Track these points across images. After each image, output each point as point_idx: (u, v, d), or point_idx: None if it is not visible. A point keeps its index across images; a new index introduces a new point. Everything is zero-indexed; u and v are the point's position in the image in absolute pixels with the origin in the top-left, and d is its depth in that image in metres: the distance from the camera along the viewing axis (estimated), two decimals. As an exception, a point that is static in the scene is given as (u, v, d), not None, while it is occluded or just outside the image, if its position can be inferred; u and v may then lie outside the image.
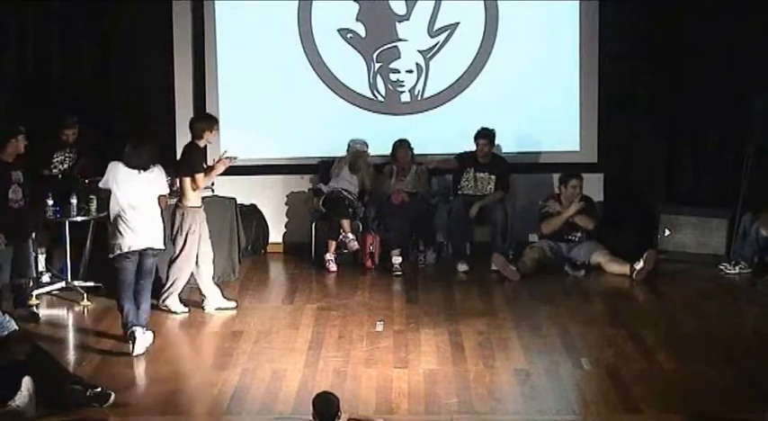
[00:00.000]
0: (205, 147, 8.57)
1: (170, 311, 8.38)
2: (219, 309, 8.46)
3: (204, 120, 8.56)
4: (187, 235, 8.32)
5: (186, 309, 8.43)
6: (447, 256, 10.02)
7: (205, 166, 8.50)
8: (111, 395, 6.45)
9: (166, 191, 7.94)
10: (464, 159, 10.06)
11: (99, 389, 6.46)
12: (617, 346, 7.54)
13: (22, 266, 8.27)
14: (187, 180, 8.35)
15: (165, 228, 7.94)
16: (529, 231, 10.12)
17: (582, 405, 6.50)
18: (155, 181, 7.77)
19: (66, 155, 9.25)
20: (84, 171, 9.23)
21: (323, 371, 7.08)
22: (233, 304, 8.55)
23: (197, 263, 8.43)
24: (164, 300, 8.41)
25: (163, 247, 7.84)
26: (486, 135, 9.91)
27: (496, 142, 10.04)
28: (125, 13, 10.32)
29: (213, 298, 8.51)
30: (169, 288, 8.42)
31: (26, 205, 8.19)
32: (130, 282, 7.62)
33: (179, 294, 8.47)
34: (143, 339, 7.46)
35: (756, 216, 9.39)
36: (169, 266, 8.41)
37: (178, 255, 8.36)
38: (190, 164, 8.40)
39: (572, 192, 9.59)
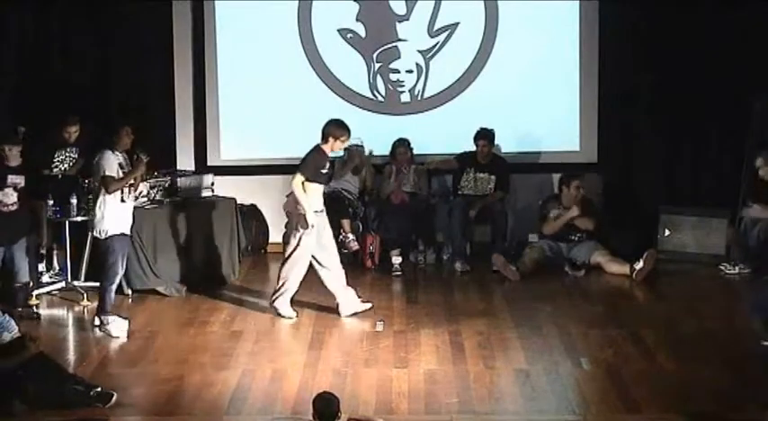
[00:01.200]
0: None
1: (278, 314, 8.23)
2: (356, 313, 8.26)
3: (333, 126, 8.10)
4: (301, 237, 8.09)
5: (294, 315, 8.21)
6: (447, 256, 10.02)
7: (324, 172, 8.12)
8: (112, 395, 6.45)
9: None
10: (464, 160, 10.07)
11: (99, 390, 6.47)
12: (617, 346, 7.54)
13: (15, 269, 8.27)
14: (299, 181, 8.08)
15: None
16: (529, 231, 10.12)
17: (582, 405, 6.50)
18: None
19: (67, 154, 9.26)
20: (85, 171, 9.23)
21: (323, 371, 7.08)
22: (368, 306, 8.32)
23: (322, 267, 8.23)
24: (273, 301, 8.23)
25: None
26: (485, 135, 9.91)
27: (496, 142, 10.05)
28: (125, 13, 10.32)
29: (348, 303, 8.27)
30: (279, 289, 8.21)
31: (19, 210, 8.17)
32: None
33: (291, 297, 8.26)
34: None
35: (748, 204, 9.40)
36: (281, 267, 8.26)
37: (289, 256, 8.15)
38: (301, 164, 8.13)
39: (575, 194, 9.58)
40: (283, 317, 8.20)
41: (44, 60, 10.46)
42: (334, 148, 8.16)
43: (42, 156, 9.13)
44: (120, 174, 7.87)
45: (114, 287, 7.98)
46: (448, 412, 6.39)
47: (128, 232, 8.06)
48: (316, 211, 8.10)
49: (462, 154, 10.09)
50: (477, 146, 9.95)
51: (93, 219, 7.93)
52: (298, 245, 8.11)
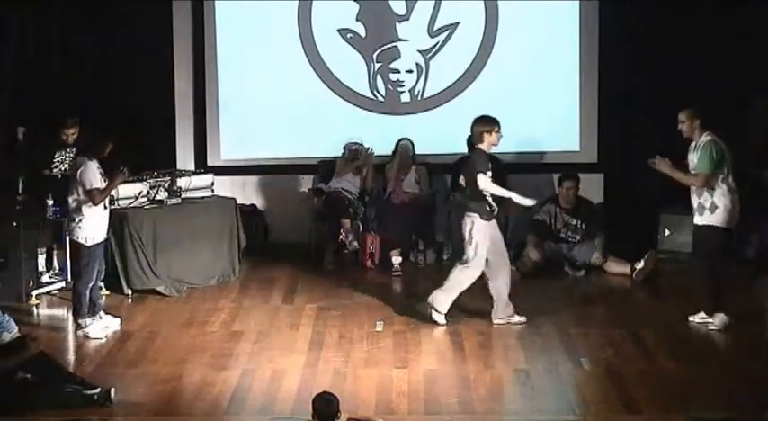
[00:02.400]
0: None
1: (432, 310, 7.96)
2: (510, 323, 8.03)
3: (480, 123, 7.94)
4: (477, 245, 7.87)
5: (445, 322, 7.98)
6: (447, 256, 10.02)
7: (488, 173, 7.84)
8: (112, 395, 6.46)
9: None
10: (460, 165, 10.04)
11: (99, 390, 6.48)
12: (617, 346, 7.54)
13: None
14: (485, 179, 7.82)
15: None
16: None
17: (582, 405, 6.50)
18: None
19: (67, 155, 9.25)
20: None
21: (323, 371, 7.08)
22: (522, 319, 8.02)
23: (491, 270, 8.00)
24: (434, 299, 7.99)
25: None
26: None
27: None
28: (125, 13, 10.32)
29: (502, 310, 8.08)
30: (444, 287, 7.99)
31: None
32: None
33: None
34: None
35: None
36: (454, 270, 8.04)
37: (469, 262, 7.93)
38: (473, 170, 7.86)
39: (566, 194, 9.60)
40: (437, 311, 7.95)
41: (44, 60, 10.47)
42: (492, 143, 7.93)
43: (42, 156, 9.14)
44: (103, 182, 7.84)
45: (88, 290, 7.91)
46: (448, 412, 6.39)
47: (106, 236, 8.11)
48: (492, 212, 7.93)
49: (459, 160, 10.06)
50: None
51: (76, 226, 7.85)
52: (475, 254, 7.88)
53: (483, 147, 7.91)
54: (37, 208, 8.73)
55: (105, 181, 7.87)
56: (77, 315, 7.91)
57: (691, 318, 7.94)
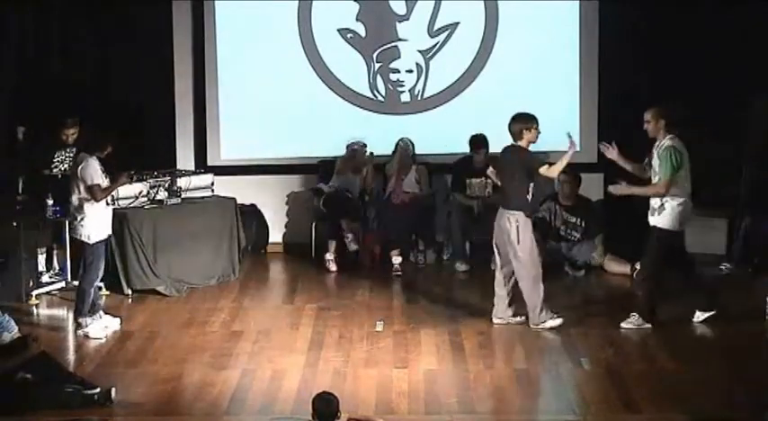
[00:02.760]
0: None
1: (542, 325, 7.87)
2: (508, 324, 8.00)
3: (518, 121, 7.93)
4: (529, 242, 7.82)
5: (559, 321, 7.91)
6: (447, 256, 10.02)
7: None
8: (112, 395, 6.46)
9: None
10: (460, 165, 10.05)
11: (99, 389, 6.48)
12: (617, 346, 7.54)
13: None
14: (546, 167, 7.86)
15: None
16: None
17: (582, 405, 6.50)
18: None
19: (67, 155, 9.25)
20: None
21: (323, 371, 7.08)
22: (520, 319, 7.99)
23: (503, 267, 8.00)
24: (539, 323, 7.89)
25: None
26: (485, 144, 9.83)
27: (496, 141, 10.02)
28: (125, 13, 10.31)
29: (500, 312, 8.06)
30: (534, 307, 7.91)
31: None
32: None
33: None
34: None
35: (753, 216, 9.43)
36: (519, 285, 7.97)
37: (525, 264, 7.87)
38: (527, 167, 7.87)
39: (563, 188, 9.62)
40: (547, 321, 7.86)
41: (44, 60, 10.46)
42: (531, 140, 7.91)
43: (42, 156, 9.14)
44: (105, 179, 7.86)
45: (93, 289, 7.96)
46: (448, 412, 6.39)
47: (110, 232, 8.13)
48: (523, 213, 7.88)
49: (459, 160, 10.07)
50: (474, 153, 9.89)
51: (78, 224, 7.88)
52: (530, 252, 7.82)
53: (522, 144, 7.90)
54: (37, 208, 8.73)
55: (107, 178, 7.87)
56: (78, 314, 7.92)
57: (623, 325, 7.84)
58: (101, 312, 8.05)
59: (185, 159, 10.51)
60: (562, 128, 10.56)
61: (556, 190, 9.87)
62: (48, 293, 8.89)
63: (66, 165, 9.25)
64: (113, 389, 6.50)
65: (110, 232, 8.12)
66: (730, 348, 7.49)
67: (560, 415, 6.41)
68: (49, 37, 10.47)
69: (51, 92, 10.21)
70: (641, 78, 10.33)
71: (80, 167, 7.82)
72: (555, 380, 6.95)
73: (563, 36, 10.41)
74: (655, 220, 7.77)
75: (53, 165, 9.21)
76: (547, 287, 7.99)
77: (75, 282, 8.84)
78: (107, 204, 8.01)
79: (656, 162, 7.78)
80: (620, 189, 7.92)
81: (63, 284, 8.92)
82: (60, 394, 6.43)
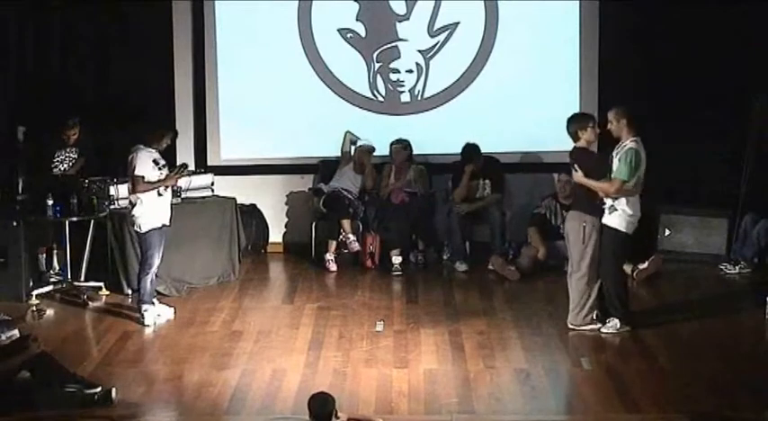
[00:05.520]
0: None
1: (604, 329, 7.79)
2: (580, 330, 7.84)
3: (575, 122, 7.90)
4: (594, 247, 7.73)
5: (622, 322, 7.80)
6: (447, 256, 10.02)
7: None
8: (113, 395, 6.46)
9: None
10: (458, 168, 10.05)
11: (100, 389, 6.48)
12: (617, 346, 7.54)
13: None
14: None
15: None
16: (528, 231, 10.12)
17: (582, 405, 6.50)
18: None
19: (67, 154, 9.26)
20: (84, 171, 9.24)
21: (323, 371, 7.08)
22: (597, 326, 7.82)
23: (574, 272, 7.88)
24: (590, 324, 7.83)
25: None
26: (476, 156, 9.84)
27: (496, 142, 10.05)
28: (125, 13, 10.32)
29: (576, 317, 7.89)
30: (584, 305, 7.85)
31: None
32: None
33: None
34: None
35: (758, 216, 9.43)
36: (572, 282, 7.90)
37: (582, 268, 7.77)
38: (593, 170, 7.75)
39: (562, 188, 9.62)
40: (611, 323, 7.76)
41: (44, 60, 10.46)
42: (588, 139, 7.82)
43: (42, 156, 9.14)
44: (156, 171, 8.00)
45: (150, 278, 8.16)
46: (448, 412, 6.39)
47: (167, 223, 8.23)
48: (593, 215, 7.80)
49: (458, 162, 10.06)
50: (465, 166, 9.88)
51: (131, 214, 8.10)
52: (590, 256, 7.74)
53: (582, 145, 7.85)
54: (37, 208, 8.73)
55: (160, 172, 8.01)
56: (141, 301, 8.15)
57: (603, 330, 7.79)
58: (154, 300, 8.22)
59: (185, 159, 10.48)
60: (562, 128, 10.59)
61: (556, 190, 9.87)
62: (48, 293, 8.89)
63: (66, 165, 9.27)
64: (113, 389, 6.50)
65: (166, 222, 8.20)
66: (730, 348, 7.49)
67: (560, 415, 6.42)
68: (50, 37, 10.47)
69: (51, 92, 10.21)
70: (641, 78, 10.33)
71: (130, 157, 7.99)
72: (555, 380, 6.95)
73: (563, 36, 10.41)
74: (606, 219, 7.72)
75: (53, 165, 9.21)
76: (561, 289, 7.96)
77: (76, 282, 8.89)
78: (159, 194, 8.09)
79: (615, 162, 7.73)
80: (577, 177, 7.87)
81: (63, 284, 8.91)
82: (60, 394, 6.44)
